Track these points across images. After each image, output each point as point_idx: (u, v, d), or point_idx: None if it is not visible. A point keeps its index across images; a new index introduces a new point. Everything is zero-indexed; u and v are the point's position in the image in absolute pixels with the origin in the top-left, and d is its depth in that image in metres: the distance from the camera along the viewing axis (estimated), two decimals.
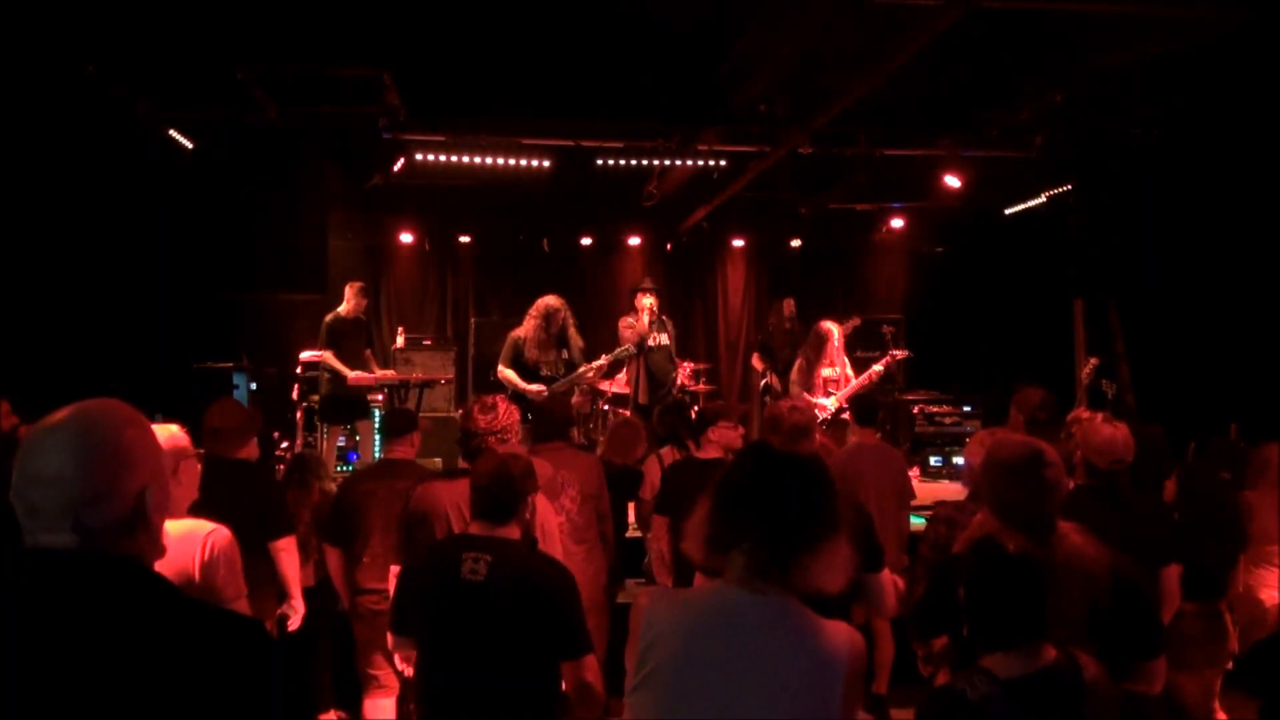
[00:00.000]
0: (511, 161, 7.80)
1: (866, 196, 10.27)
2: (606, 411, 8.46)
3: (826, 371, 7.48)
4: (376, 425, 8.19)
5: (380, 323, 10.70)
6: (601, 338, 8.55)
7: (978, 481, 2.99)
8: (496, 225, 10.77)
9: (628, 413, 7.92)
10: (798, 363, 7.61)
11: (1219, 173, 6.76)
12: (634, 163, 8.01)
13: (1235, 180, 6.63)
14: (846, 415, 6.29)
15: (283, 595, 4.00)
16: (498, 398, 3.80)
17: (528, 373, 7.07)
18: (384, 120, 7.22)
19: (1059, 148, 8.10)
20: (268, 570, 3.89)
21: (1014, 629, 1.99)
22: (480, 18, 6.07)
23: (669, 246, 11.52)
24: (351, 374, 7.69)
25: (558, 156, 7.83)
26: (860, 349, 9.11)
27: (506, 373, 7.09)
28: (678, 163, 8.28)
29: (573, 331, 7.28)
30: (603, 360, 7.52)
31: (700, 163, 8.15)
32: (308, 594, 4.21)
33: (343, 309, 7.83)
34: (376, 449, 8.02)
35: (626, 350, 7.89)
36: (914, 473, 7.58)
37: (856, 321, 8.78)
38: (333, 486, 4.97)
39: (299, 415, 8.57)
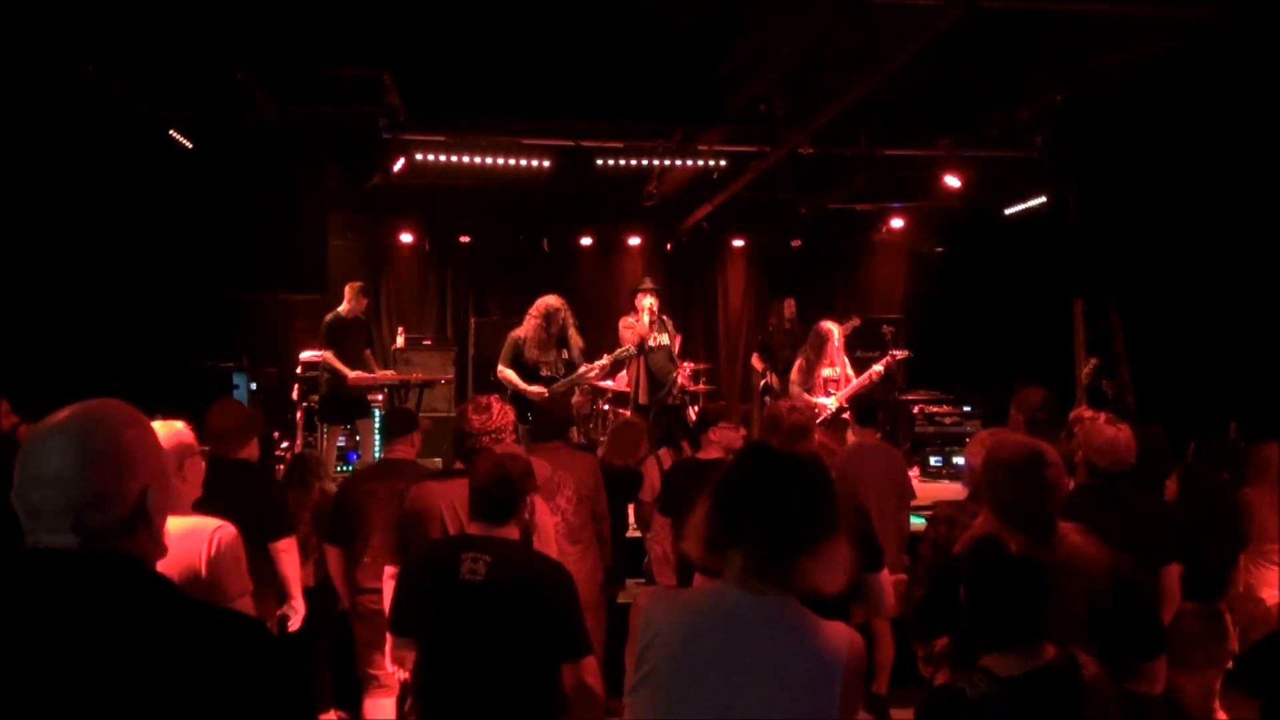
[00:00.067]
0: (511, 161, 7.80)
1: (866, 196, 10.27)
2: (607, 411, 8.47)
3: (827, 371, 7.48)
4: (376, 425, 8.19)
5: (380, 323, 10.70)
6: (601, 338, 8.55)
7: (978, 481, 2.99)
8: (496, 225, 10.77)
9: (628, 413, 7.92)
10: (798, 363, 7.62)
11: (1219, 173, 6.76)
12: (634, 163, 8.01)
13: (1235, 180, 6.63)
14: (846, 415, 6.28)
15: (283, 596, 4.00)
16: (492, 398, 3.79)
17: (528, 373, 7.07)
18: (384, 120, 7.23)
19: (1059, 148, 8.10)
20: (268, 571, 3.89)
21: (1014, 629, 1.99)
22: (480, 18, 6.07)
23: (669, 246, 11.52)
24: (352, 374, 7.69)
25: (558, 156, 7.83)
26: (860, 349, 9.10)
27: (507, 373, 7.09)
28: (678, 163, 8.29)
29: (573, 331, 7.28)
30: (604, 360, 7.52)
31: (700, 163, 8.15)
32: (308, 594, 4.21)
33: (343, 309, 7.83)
34: (376, 449, 8.02)
35: (627, 351, 7.89)
36: (914, 473, 7.58)
37: (856, 322, 8.78)
38: (333, 486, 4.97)
39: (299, 415, 8.57)
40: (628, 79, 6.95)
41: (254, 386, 8.21)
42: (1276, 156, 6.10)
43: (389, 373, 8.57)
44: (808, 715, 1.71)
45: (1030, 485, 2.51)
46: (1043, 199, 9.38)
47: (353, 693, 4.51)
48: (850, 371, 7.57)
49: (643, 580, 5.40)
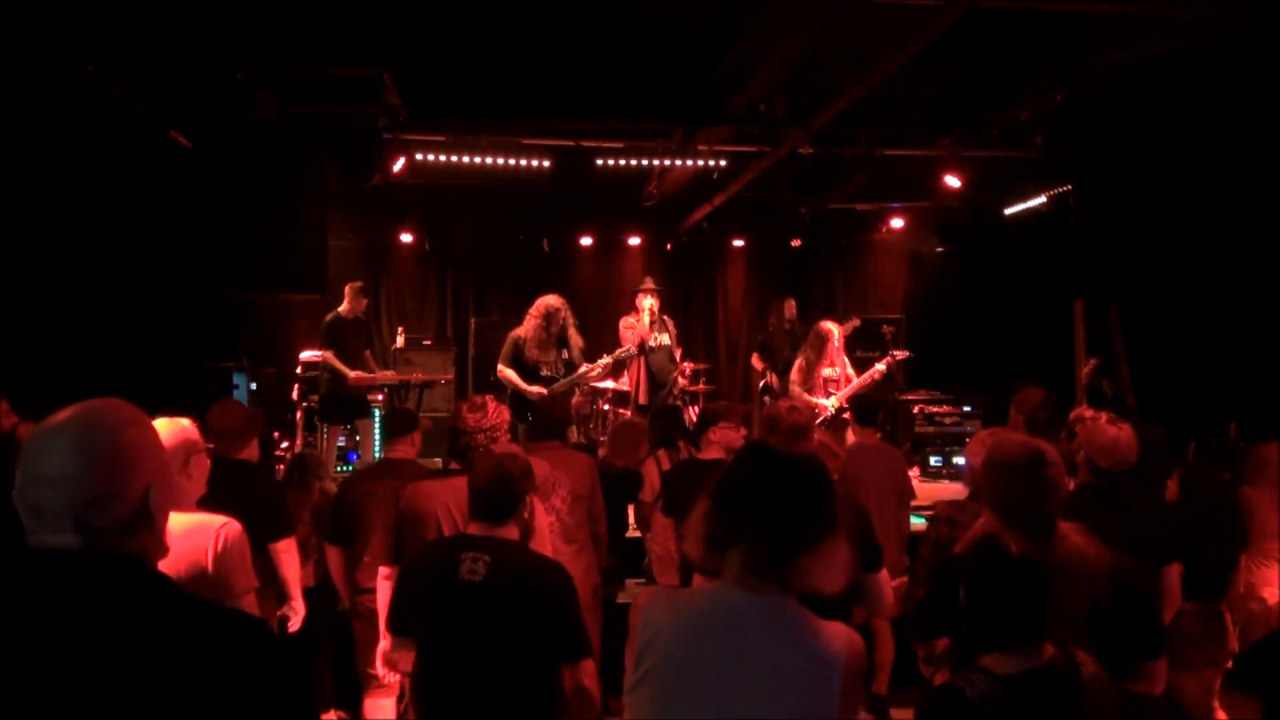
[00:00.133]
0: (511, 161, 7.80)
1: (866, 196, 10.28)
2: (607, 411, 8.47)
3: (827, 372, 7.48)
4: (376, 425, 8.19)
5: (380, 323, 10.71)
6: (601, 338, 8.55)
7: (978, 482, 2.99)
8: (496, 225, 10.77)
9: (628, 413, 7.92)
10: (798, 363, 7.62)
11: (1219, 173, 6.76)
12: (634, 163, 8.01)
13: (1235, 180, 6.63)
14: (846, 415, 6.29)
15: (283, 596, 4.00)
16: (487, 397, 3.80)
17: (528, 373, 7.07)
18: (384, 120, 7.22)
19: (1059, 148, 8.10)
20: (268, 571, 3.89)
21: (1014, 629, 1.99)
22: (480, 18, 6.08)
23: (669, 246, 11.53)
24: (352, 374, 7.70)
25: (558, 156, 7.83)
26: (860, 349, 9.11)
27: (507, 372, 7.09)
28: (678, 163, 8.29)
29: (573, 331, 7.28)
30: (605, 360, 7.52)
31: (700, 163, 8.15)
32: (308, 594, 4.21)
33: (343, 309, 7.84)
34: (376, 449, 8.02)
35: (627, 351, 7.89)
36: (914, 473, 7.58)
37: (856, 322, 8.78)
38: (333, 486, 4.97)
39: (299, 415, 8.58)
40: (628, 79, 6.95)
41: (254, 386, 8.21)
42: (1276, 156, 6.11)
43: (389, 373, 8.57)
44: (807, 715, 1.71)
45: (1030, 485, 2.51)
46: (1043, 199, 9.38)
47: (353, 693, 4.51)
48: (850, 371, 7.57)
49: (643, 580, 5.40)
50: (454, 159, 7.73)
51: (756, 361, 9.15)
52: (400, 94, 6.93)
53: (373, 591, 4.21)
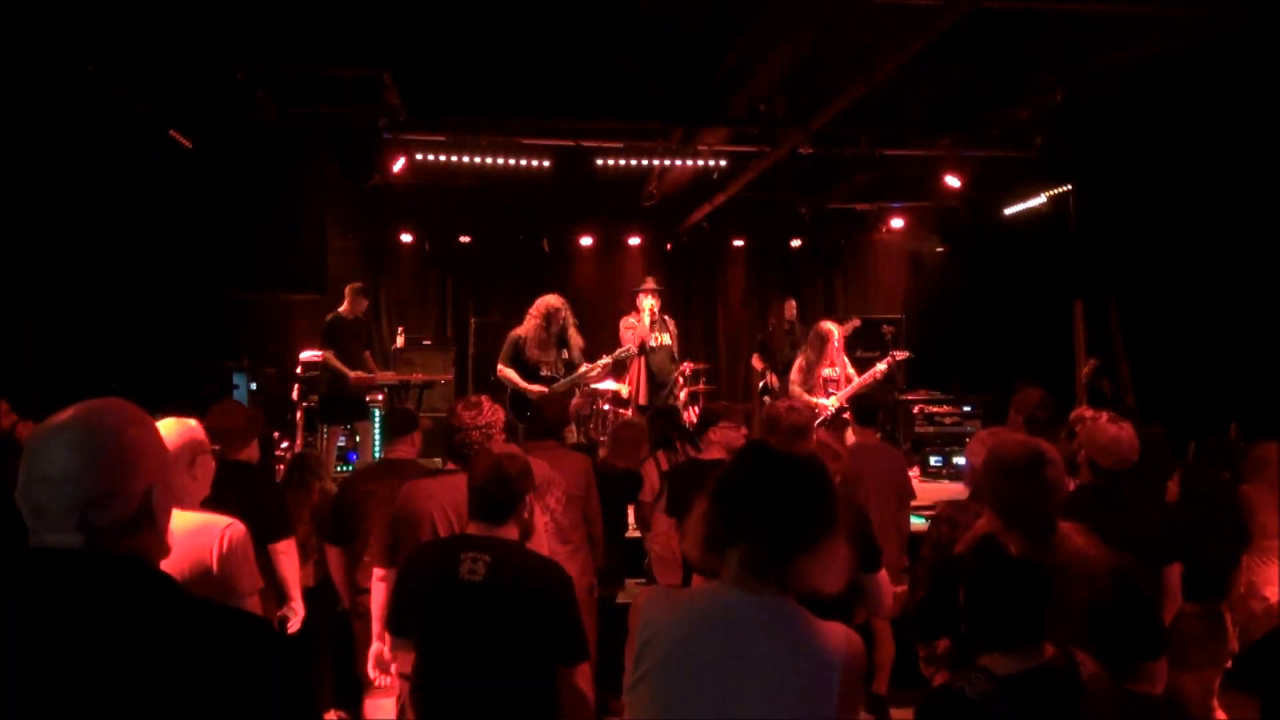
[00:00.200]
0: (511, 161, 7.81)
1: (866, 196, 10.28)
2: (607, 412, 8.47)
3: (827, 372, 7.49)
4: (376, 425, 8.19)
5: (380, 323, 10.70)
6: (601, 338, 8.56)
7: (979, 481, 2.99)
8: (496, 225, 10.77)
9: (628, 413, 7.91)
10: (798, 363, 7.62)
11: (1218, 173, 6.76)
12: (634, 163, 8.02)
13: (1235, 180, 6.63)
14: (847, 415, 6.29)
15: (282, 597, 4.00)
16: (482, 396, 3.81)
17: (528, 372, 7.07)
18: (384, 120, 7.23)
19: (1059, 148, 8.11)
20: (267, 572, 3.89)
21: (1013, 630, 1.99)
22: (480, 18, 6.08)
23: (669, 246, 11.53)
24: (353, 374, 7.70)
25: (558, 156, 7.83)
26: (860, 349, 9.11)
27: (507, 371, 7.09)
28: (678, 163, 8.29)
29: (573, 331, 7.28)
30: (605, 360, 7.52)
31: (700, 163, 8.15)
32: (308, 594, 4.21)
33: (343, 309, 7.84)
34: (376, 449, 8.02)
35: (627, 350, 7.89)
36: (914, 473, 7.58)
37: (856, 322, 8.78)
38: (333, 486, 4.97)
39: (299, 415, 8.57)
40: (628, 79, 6.95)
41: (254, 386, 8.21)
42: (1276, 156, 6.11)
43: (389, 373, 8.57)
44: (806, 715, 1.70)
45: (1031, 485, 2.51)
46: (1043, 199, 9.39)
47: (353, 693, 4.51)
48: (851, 371, 7.57)
49: (643, 580, 5.40)
50: (454, 159, 7.73)
51: (756, 361, 9.16)
52: (400, 94, 6.93)
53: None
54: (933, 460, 8.97)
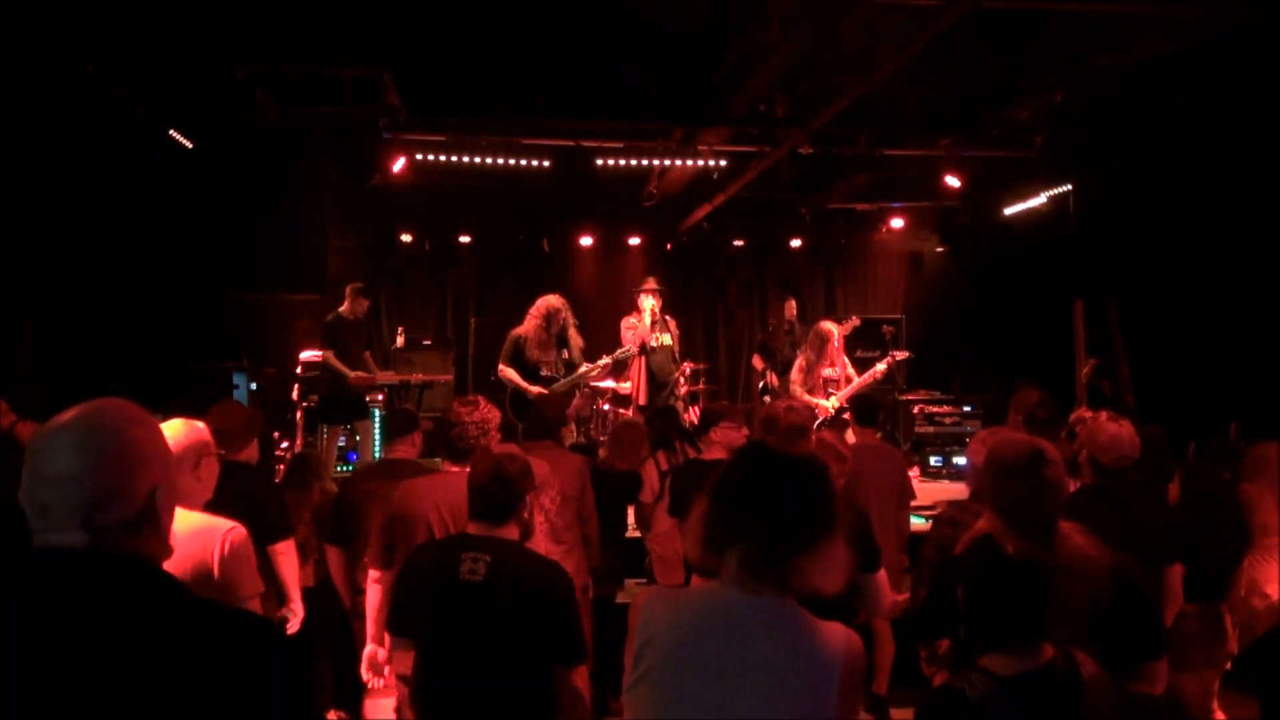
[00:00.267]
0: (511, 161, 7.81)
1: (866, 196, 10.28)
2: (607, 412, 8.47)
3: (827, 372, 7.49)
4: (376, 425, 8.19)
5: (380, 323, 10.70)
6: (602, 338, 8.55)
7: (980, 481, 2.99)
8: (496, 225, 10.77)
9: (628, 413, 7.91)
10: (798, 363, 7.62)
11: (1218, 173, 6.76)
12: (634, 163, 8.02)
13: (1235, 180, 6.63)
14: (847, 415, 6.29)
15: (282, 598, 4.00)
16: (479, 396, 3.83)
17: (528, 372, 7.07)
18: (384, 120, 7.23)
19: (1059, 148, 8.11)
20: (267, 573, 3.89)
21: (1013, 630, 1.99)
22: (480, 18, 6.08)
23: (669, 246, 11.53)
24: (353, 374, 7.70)
25: (558, 156, 7.83)
26: (860, 349, 9.11)
27: (508, 371, 7.09)
28: (678, 163, 8.29)
29: (573, 332, 7.28)
30: (605, 360, 7.52)
31: (700, 163, 8.15)
32: (307, 594, 4.21)
33: (343, 309, 7.84)
34: (376, 449, 8.02)
35: (627, 351, 7.89)
36: (914, 473, 7.58)
37: (856, 322, 8.78)
38: (333, 486, 4.97)
39: (299, 415, 8.57)
40: (628, 79, 6.95)
41: (254, 386, 8.21)
42: (1276, 156, 6.11)
43: (389, 373, 8.57)
44: (805, 715, 1.70)
45: (1031, 484, 2.50)
46: (1043, 199, 9.39)
47: (353, 693, 4.50)
48: (851, 372, 7.57)
49: (643, 580, 5.41)
50: (454, 159, 7.73)
51: (756, 361, 9.16)
52: (400, 94, 6.93)
53: None
54: (933, 460, 8.97)
